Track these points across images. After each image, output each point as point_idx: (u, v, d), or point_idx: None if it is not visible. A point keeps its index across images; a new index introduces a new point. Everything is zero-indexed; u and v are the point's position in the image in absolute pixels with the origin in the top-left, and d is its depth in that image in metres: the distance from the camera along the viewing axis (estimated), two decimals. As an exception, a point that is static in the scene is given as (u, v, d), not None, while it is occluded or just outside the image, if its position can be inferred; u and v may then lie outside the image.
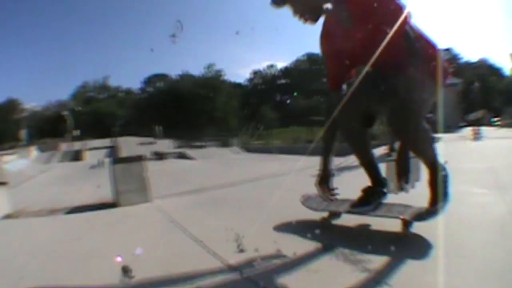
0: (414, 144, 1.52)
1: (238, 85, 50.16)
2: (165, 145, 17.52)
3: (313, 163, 2.19)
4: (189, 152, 12.11)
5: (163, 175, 7.71)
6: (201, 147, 14.21)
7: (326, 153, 1.72)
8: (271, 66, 57.83)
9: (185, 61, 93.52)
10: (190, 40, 71.88)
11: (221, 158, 11.28)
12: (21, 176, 9.77)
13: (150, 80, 51.12)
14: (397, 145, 1.96)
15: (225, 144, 14.10)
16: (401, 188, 1.67)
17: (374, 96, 1.52)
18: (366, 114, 1.62)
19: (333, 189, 1.71)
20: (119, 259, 1.53)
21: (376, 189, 1.68)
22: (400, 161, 1.69)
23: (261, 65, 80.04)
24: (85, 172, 10.81)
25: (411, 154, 1.65)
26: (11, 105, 39.38)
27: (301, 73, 51.49)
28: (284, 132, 26.16)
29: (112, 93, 52.56)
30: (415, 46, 1.39)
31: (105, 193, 3.96)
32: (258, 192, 3.66)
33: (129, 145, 17.82)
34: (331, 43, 1.61)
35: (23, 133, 25.61)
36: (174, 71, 54.61)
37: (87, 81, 51.58)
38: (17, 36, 70.43)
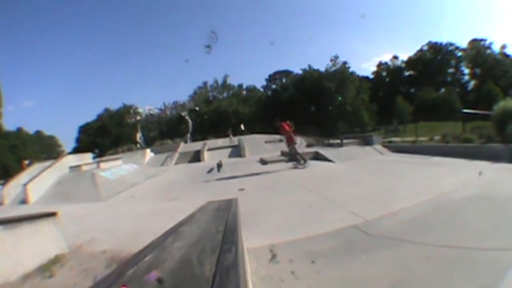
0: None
1: (365, 78, 46.60)
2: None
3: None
4: (324, 152, 11.10)
5: (299, 187, 6.70)
6: (338, 145, 13.28)
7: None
8: (395, 57, 53.02)
9: (306, 57, 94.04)
10: (313, 34, 71.49)
11: (366, 161, 9.84)
12: (119, 185, 9.39)
13: (273, 77, 51.85)
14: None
15: (364, 142, 12.81)
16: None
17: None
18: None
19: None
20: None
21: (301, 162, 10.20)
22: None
23: (382, 58, 74.21)
24: (199, 177, 10.07)
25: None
26: (126, 110, 41.15)
27: (425, 63, 47.79)
28: (424, 127, 22.58)
29: (234, 92, 53.09)
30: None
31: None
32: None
33: (255, 143, 17.85)
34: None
35: (139, 136, 26.36)
36: (295, 67, 54.80)
37: (206, 81, 52.64)
38: (134, 43, 77.47)
